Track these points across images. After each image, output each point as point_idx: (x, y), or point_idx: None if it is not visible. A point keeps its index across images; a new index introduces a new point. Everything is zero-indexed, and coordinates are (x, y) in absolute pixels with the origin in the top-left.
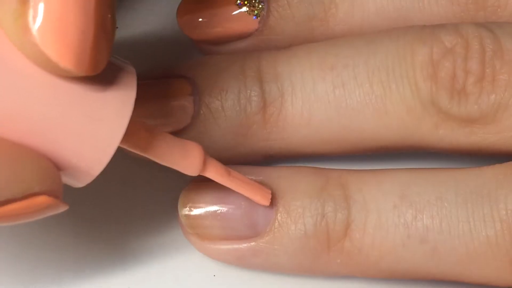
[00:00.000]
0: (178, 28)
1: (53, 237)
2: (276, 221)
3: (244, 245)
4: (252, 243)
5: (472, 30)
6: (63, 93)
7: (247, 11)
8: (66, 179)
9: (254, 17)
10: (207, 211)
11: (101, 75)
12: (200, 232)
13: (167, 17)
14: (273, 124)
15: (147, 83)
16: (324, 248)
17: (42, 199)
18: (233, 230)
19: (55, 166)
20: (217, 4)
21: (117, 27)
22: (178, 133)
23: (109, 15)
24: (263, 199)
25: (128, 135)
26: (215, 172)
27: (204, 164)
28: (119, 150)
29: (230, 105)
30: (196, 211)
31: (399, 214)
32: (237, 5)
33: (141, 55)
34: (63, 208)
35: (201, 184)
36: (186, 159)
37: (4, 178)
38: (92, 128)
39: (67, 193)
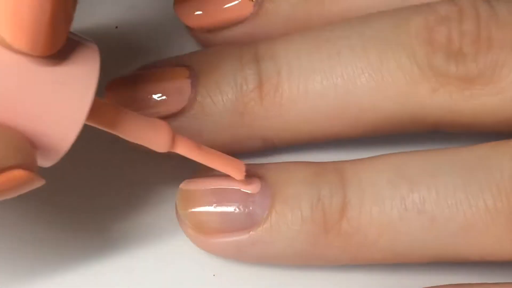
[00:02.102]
0: (178, 25)
1: (52, 236)
2: (273, 209)
3: (242, 236)
4: (251, 232)
5: (467, 0)
6: (28, 67)
7: None
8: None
9: (250, 0)
10: (204, 207)
11: (65, 50)
12: (198, 226)
13: (169, 16)
14: (270, 101)
15: (146, 72)
16: (322, 232)
17: (17, 173)
18: (231, 222)
19: (28, 140)
20: None
21: (116, 27)
22: (176, 115)
23: None
24: (237, 172)
25: (95, 111)
26: (185, 147)
27: (173, 140)
28: (116, 150)
29: (226, 84)
30: (193, 208)
31: (395, 188)
32: None
33: (142, 55)
34: (39, 183)
35: (197, 180)
36: (155, 135)
37: None
38: (59, 99)
39: (66, 192)
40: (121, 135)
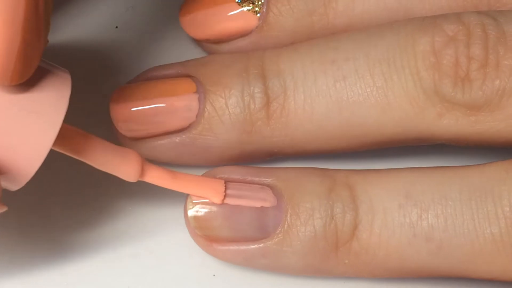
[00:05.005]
0: (180, 27)
1: (53, 237)
2: (286, 222)
3: (253, 246)
4: (261, 245)
5: (474, 18)
6: None
7: (247, 9)
8: (3, 183)
9: (254, 14)
10: (216, 212)
11: (35, 78)
12: (208, 233)
13: (169, 16)
14: (277, 120)
15: (152, 82)
16: (333, 249)
17: None
18: (242, 231)
19: None
20: (218, 2)
21: (116, 27)
22: (183, 131)
23: (40, 27)
24: (215, 197)
25: (62, 137)
26: (156, 176)
27: (143, 169)
28: None
29: (234, 102)
30: (204, 213)
31: (405, 214)
32: (237, 3)
33: (142, 55)
34: (0, 210)
35: None
36: (124, 164)
37: None
38: (25, 126)
39: (66, 192)
40: (89, 163)
